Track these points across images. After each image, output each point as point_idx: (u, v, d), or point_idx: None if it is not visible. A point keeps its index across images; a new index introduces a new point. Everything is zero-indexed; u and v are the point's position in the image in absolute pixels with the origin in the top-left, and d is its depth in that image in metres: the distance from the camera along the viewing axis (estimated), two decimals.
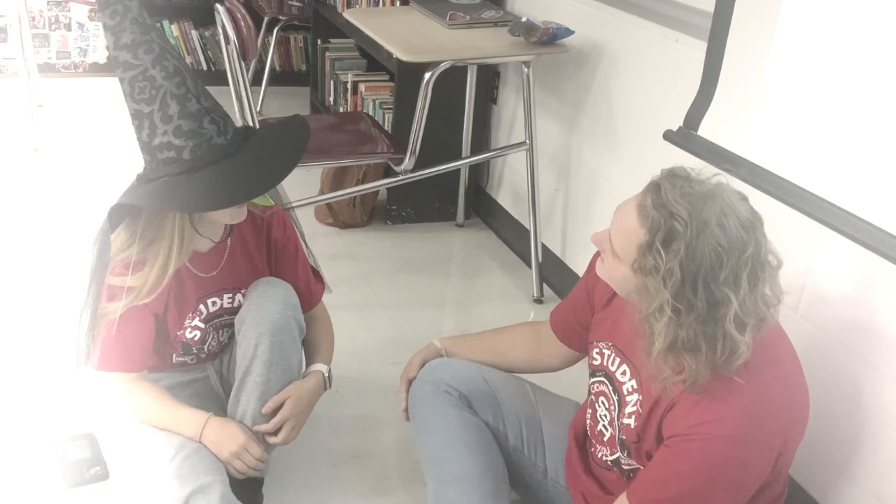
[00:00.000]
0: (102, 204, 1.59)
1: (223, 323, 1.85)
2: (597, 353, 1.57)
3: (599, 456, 1.57)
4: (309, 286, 1.90)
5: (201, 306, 1.79)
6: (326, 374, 1.83)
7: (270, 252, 1.85)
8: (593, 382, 1.58)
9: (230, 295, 1.82)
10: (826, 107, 1.63)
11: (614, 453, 1.53)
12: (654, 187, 1.30)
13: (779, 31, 1.73)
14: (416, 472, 1.97)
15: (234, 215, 1.68)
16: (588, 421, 1.61)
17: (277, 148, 1.65)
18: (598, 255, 1.58)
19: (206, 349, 1.87)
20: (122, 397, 1.77)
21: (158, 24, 4.61)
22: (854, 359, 1.66)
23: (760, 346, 1.31)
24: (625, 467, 1.51)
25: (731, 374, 1.29)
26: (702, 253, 1.23)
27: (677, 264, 1.24)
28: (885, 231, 1.47)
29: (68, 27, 4.52)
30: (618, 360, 1.51)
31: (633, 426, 1.44)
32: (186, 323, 1.79)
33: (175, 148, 1.53)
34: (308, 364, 1.86)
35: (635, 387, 1.46)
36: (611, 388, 1.52)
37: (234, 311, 1.82)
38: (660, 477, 1.37)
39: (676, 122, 2.01)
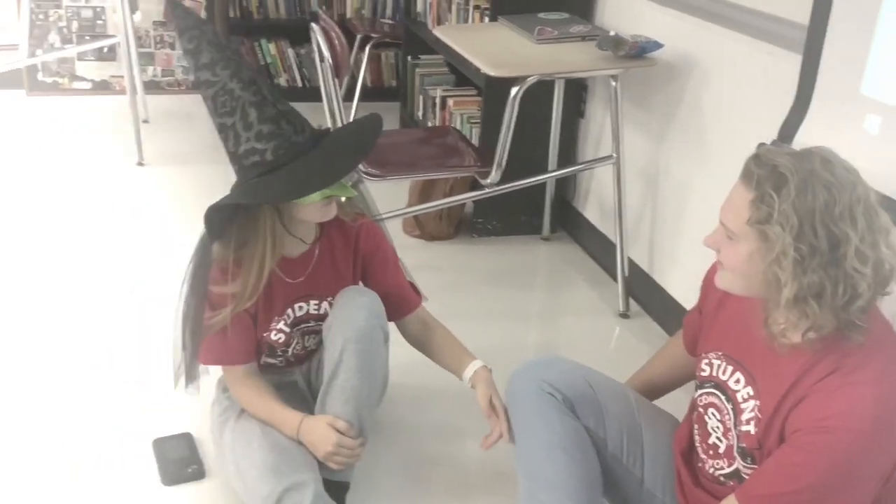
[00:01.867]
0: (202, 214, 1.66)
1: (309, 329, 1.91)
2: (706, 364, 1.55)
3: (710, 471, 1.54)
4: (402, 292, 1.94)
5: (288, 310, 1.86)
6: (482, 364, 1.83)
7: (357, 262, 1.90)
8: (701, 395, 1.55)
9: (316, 302, 1.87)
10: None
11: (732, 464, 1.49)
12: (753, 156, 1.34)
13: (876, 42, 1.69)
14: (498, 481, 1.98)
15: (323, 213, 1.74)
16: (696, 436, 1.58)
17: (351, 141, 1.72)
18: (713, 269, 1.57)
19: (290, 352, 1.93)
20: (234, 389, 1.87)
21: (256, 43, 4.77)
22: None
23: (886, 340, 1.31)
24: (745, 477, 1.47)
25: (856, 328, 1.29)
26: (813, 192, 1.26)
27: (790, 206, 1.26)
28: None
29: (172, 46, 4.74)
30: (729, 368, 1.49)
31: (753, 432, 1.41)
32: (272, 325, 1.85)
33: (258, 152, 1.62)
34: (458, 364, 1.88)
35: (751, 393, 1.43)
36: (723, 397, 1.49)
37: (321, 317, 1.88)
38: (776, 472, 1.33)
39: (769, 136, 1.97)
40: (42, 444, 2.02)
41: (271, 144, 1.61)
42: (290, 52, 4.82)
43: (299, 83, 4.87)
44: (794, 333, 1.33)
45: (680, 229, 2.66)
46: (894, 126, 1.65)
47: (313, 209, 1.72)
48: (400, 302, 1.92)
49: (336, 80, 2.54)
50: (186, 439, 2.01)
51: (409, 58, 4.18)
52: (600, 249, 3.12)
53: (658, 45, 2.53)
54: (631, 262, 2.85)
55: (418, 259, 3.10)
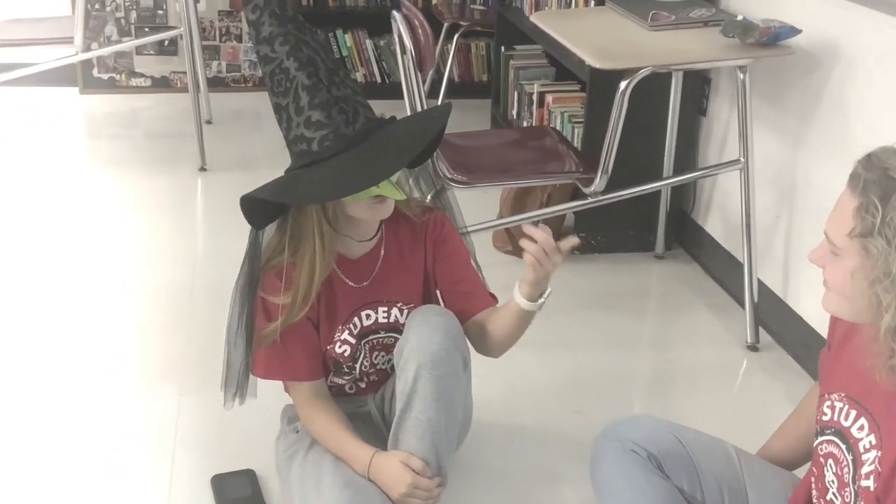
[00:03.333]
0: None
1: (379, 342, 1.95)
2: (827, 406, 1.53)
3: None
4: (469, 288, 1.95)
5: (355, 319, 1.91)
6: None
7: (427, 258, 1.94)
8: (821, 443, 1.54)
9: (385, 308, 1.92)
10: None
11: None
12: (864, 158, 1.33)
13: None
14: None
15: (374, 211, 1.79)
16: (813, 491, 1.56)
17: (402, 137, 1.75)
18: None
19: (358, 370, 1.97)
20: (301, 412, 1.94)
21: (331, 34, 4.90)
22: None
23: None
24: None
25: None
26: None
27: None
28: None
29: (239, 38, 4.91)
30: (853, 412, 1.47)
31: (871, 489, 1.39)
32: (336, 336, 1.91)
33: (306, 140, 1.69)
34: (508, 307, 1.88)
35: (873, 442, 1.41)
36: (843, 446, 1.47)
37: (390, 327, 1.92)
38: None
39: None
40: (49, 455, 2.11)
41: (318, 134, 1.68)
42: (369, 43, 4.94)
43: (378, 78, 4.98)
44: None
45: None
46: None
47: (362, 207, 1.77)
48: (467, 298, 1.93)
49: (419, 75, 2.58)
50: (248, 477, 2.07)
51: (502, 48, 4.22)
52: (724, 270, 3.08)
53: (795, 31, 2.49)
54: (761, 284, 2.80)
55: (510, 278, 3.06)
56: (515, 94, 4.06)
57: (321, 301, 1.86)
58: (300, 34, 1.71)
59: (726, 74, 3.03)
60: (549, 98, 3.67)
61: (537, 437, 2.29)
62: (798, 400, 1.89)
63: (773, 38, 2.49)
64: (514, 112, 4.10)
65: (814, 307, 2.63)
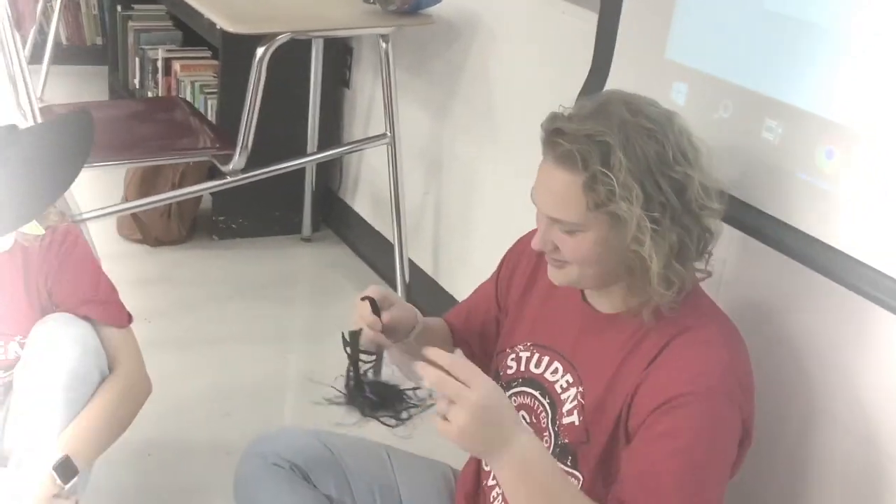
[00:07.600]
0: None
1: None
2: (512, 359, 1.63)
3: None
4: (98, 299, 1.81)
5: None
6: (54, 466, 1.65)
7: (48, 281, 1.77)
8: (510, 397, 1.62)
9: (1, 344, 1.76)
10: (732, 87, 1.73)
11: None
12: (555, 133, 1.41)
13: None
14: None
15: None
16: None
17: (46, 159, 1.60)
18: (512, 255, 1.70)
19: None
20: None
21: None
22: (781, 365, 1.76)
23: (710, 313, 1.49)
24: None
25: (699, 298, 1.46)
26: (641, 147, 1.37)
27: (626, 173, 1.35)
28: (808, 235, 1.58)
29: None
30: (544, 358, 1.57)
31: (577, 423, 1.50)
32: None
33: None
34: None
35: (571, 381, 1.52)
36: (537, 393, 1.58)
37: (9, 366, 1.77)
38: (648, 470, 1.39)
39: (567, 106, 2.08)
40: None
41: None
42: None
43: None
44: (667, 299, 1.44)
45: (469, 222, 2.75)
46: (703, 94, 1.80)
47: None
48: (91, 310, 1.79)
49: (17, 36, 2.41)
50: None
51: (118, 7, 4.07)
52: (375, 250, 3.16)
53: (435, 0, 2.60)
54: (412, 264, 2.92)
55: (141, 270, 3.00)
56: (137, 60, 3.93)
57: None
58: None
59: (368, 43, 3.10)
60: (176, 66, 3.58)
61: (180, 448, 2.23)
62: None
63: (414, 6, 2.58)
64: (137, 81, 3.97)
65: (464, 284, 2.77)
